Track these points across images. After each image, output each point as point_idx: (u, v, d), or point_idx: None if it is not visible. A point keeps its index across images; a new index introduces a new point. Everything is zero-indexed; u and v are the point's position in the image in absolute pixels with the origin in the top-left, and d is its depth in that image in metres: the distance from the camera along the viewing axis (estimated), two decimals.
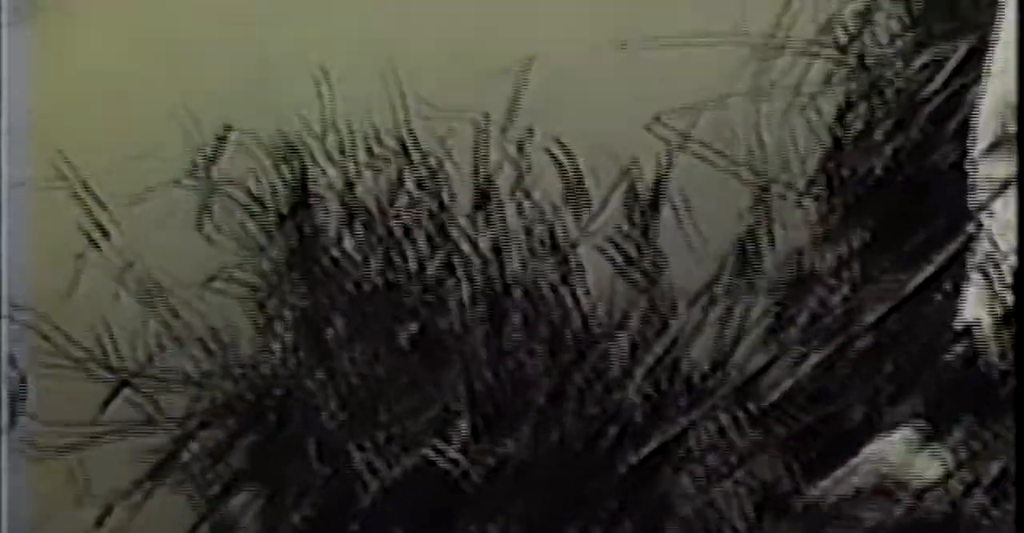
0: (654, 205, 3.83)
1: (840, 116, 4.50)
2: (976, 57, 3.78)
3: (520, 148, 3.68)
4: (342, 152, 3.64)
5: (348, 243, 3.56)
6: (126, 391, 3.40)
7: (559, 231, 3.65)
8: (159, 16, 4.94)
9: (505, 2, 6.22)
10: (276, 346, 3.41)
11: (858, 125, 4.46)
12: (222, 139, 3.70)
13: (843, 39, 4.55)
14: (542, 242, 3.55)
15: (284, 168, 3.61)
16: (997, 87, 3.21)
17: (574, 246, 3.55)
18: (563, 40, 5.30)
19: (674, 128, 4.20)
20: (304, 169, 3.62)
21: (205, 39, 4.77)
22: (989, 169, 3.26)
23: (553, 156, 3.86)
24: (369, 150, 3.65)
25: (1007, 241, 3.24)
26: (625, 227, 3.79)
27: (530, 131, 3.68)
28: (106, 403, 3.40)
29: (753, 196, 4.00)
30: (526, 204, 3.65)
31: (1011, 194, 3.20)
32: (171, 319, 3.50)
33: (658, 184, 3.86)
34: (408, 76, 3.87)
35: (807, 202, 4.23)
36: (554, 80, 4.81)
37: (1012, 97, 3.18)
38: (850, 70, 4.55)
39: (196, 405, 3.33)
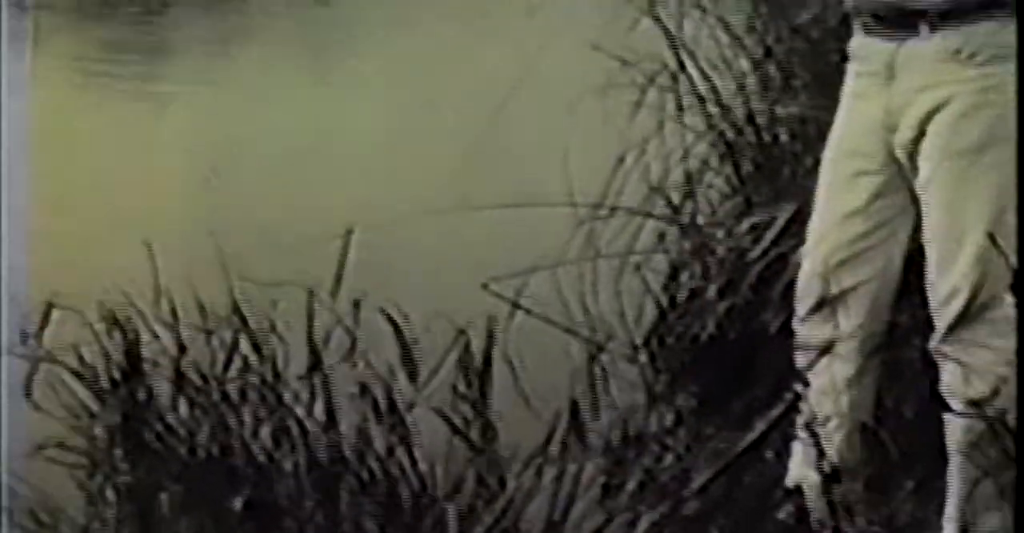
0: (487, 368, 3.86)
1: (670, 278, 4.59)
2: (797, 222, 3.89)
3: (351, 314, 3.70)
4: (172, 321, 3.63)
5: (179, 411, 3.54)
6: None
7: (393, 395, 3.65)
8: None
9: (340, 167, 6.31)
10: (105, 519, 3.37)
11: (687, 287, 4.54)
12: (49, 308, 3.67)
13: (672, 203, 4.66)
14: (376, 407, 3.56)
15: (114, 337, 3.59)
16: (816, 254, 3.29)
17: (408, 410, 3.56)
18: (396, 205, 5.37)
19: (507, 291, 4.25)
20: (134, 338, 3.61)
21: (33, 211, 4.77)
22: (810, 332, 3.33)
23: (389, 318, 3.89)
24: (199, 318, 3.64)
25: (827, 403, 3.31)
26: (459, 390, 3.80)
27: (360, 298, 3.70)
28: None
29: (585, 358, 4.04)
30: (359, 369, 3.66)
31: (829, 358, 3.27)
32: None
33: (491, 347, 3.89)
34: (237, 245, 3.89)
35: (638, 364, 4.29)
36: (388, 245, 4.86)
37: (828, 265, 3.26)
38: (679, 233, 4.65)
39: None
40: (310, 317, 3.68)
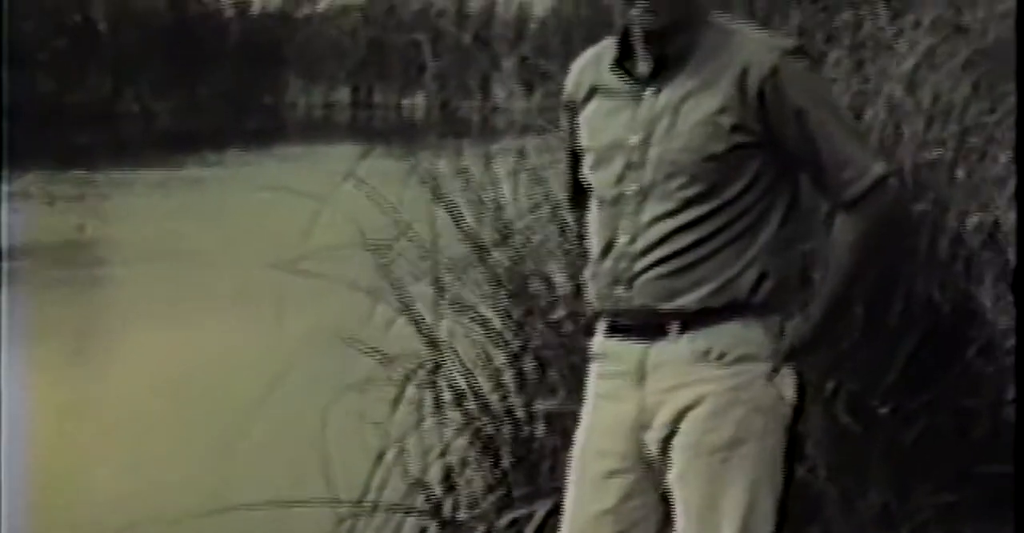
0: None
1: None
2: (557, 516, 3.90)
3: None
4: None
5: None
6: None
7: None
8: None
9: (95, 467, 6.18)
10: None
11: None
12: None
13: (432, 499, 4.65)
14: None
15: None
16: None
17: None
18: (150, 508, 5.26)
19: None
20: None
21: None
22: None
23: None
24: None
25: None
26: None
27: None
28: None
29: None
30: None
31: None
32: None
33: None
34: None
35: None
36: None
37: None
38: (440, 528, 4.63)
39: None
40: None
